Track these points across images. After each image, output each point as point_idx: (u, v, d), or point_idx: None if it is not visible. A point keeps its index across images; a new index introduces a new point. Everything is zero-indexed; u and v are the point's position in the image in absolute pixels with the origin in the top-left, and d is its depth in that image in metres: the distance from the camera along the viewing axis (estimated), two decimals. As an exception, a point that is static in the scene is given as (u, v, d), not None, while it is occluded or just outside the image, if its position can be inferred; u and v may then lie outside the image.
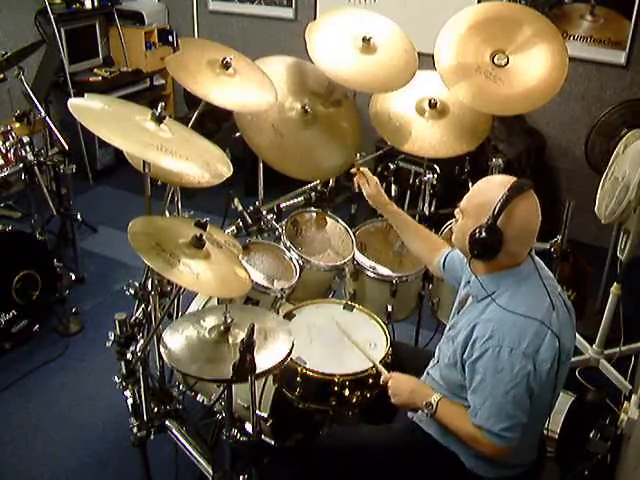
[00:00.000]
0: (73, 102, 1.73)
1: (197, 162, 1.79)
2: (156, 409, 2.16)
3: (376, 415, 2.05)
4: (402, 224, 2.19)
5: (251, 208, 2.38)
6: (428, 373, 1.89)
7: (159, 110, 1.79)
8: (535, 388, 1.56)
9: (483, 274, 1.67)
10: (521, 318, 1.57)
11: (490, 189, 1.61)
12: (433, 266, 2.11)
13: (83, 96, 1.85)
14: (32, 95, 3.17)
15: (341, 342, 2.09)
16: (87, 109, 1.79)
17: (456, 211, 1.71)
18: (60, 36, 4.36)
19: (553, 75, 2.35)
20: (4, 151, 3.08)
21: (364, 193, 2.23)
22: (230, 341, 1.78)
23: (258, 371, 1.62)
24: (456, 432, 1.71)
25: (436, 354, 1.87)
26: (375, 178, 2.25)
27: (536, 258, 1.70)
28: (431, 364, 1.89)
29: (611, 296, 2.82)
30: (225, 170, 1.87)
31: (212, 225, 1.86)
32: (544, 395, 1.61)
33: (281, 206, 2.53)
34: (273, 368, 1.75)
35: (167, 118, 1.83)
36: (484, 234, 1.56)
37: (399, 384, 1.84)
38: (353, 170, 2.29)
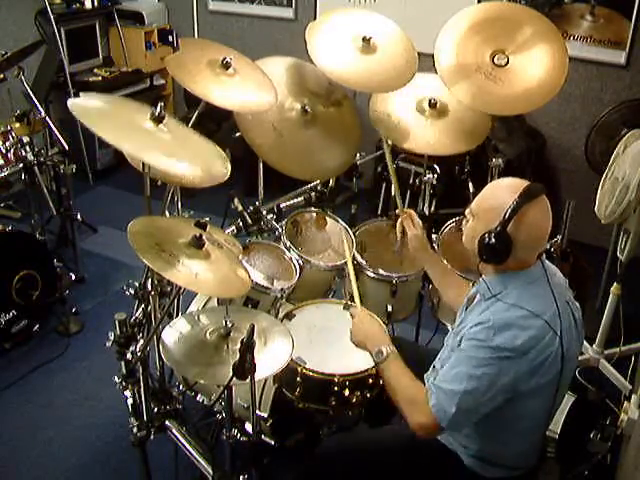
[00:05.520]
0: (73, 102, 1.72)
1: (197, 162, 1.79)
2: (156, 409, 2.16)
3: (376, 415, 2.05)
4: (441, 272, 2.17)
5: (251, 208, 2.38)
6: (434, 367, 1.87)
7: (158, 110, 1.79)
8: (512, 385, 1.53)
9: (491, 275, 1.67)
10: (526, 314, 1.54)
11: (501, 193, 1.60)
12: None
13: (83, 96, 1.85)
14: (32, 95, 3.18)
15: (341, 342, 2.09)
16: (87, 109, 1.79)
17: (467, 211, 1.70)
18: (60, 36, 4.37)
19: (553, 75, 2.35)
20: (4, 151, 3.08)
21: (408, 234, 2.24)
22: (230, 345, 1.79)
23: (257, 378, 1.62)
24: (395, 391, 1.68)
25: (442, 349, 1.85)
26: (420, 223, 2.26)
27: (547, 263, 1.68)
28: (437, 357, 1.86)
29: (611, 296, 2.82)
30: (225, 170, 1.87)
31: (212, 225, 1.86)
32: (543, 397, 1.60)
33: (281, 206, 2.52)
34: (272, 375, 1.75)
35: (167, 118, 1.83)
36: (493, 240, 1.55)
37: (361, 324, 1.90)
38: (399, 211, 2.32)
